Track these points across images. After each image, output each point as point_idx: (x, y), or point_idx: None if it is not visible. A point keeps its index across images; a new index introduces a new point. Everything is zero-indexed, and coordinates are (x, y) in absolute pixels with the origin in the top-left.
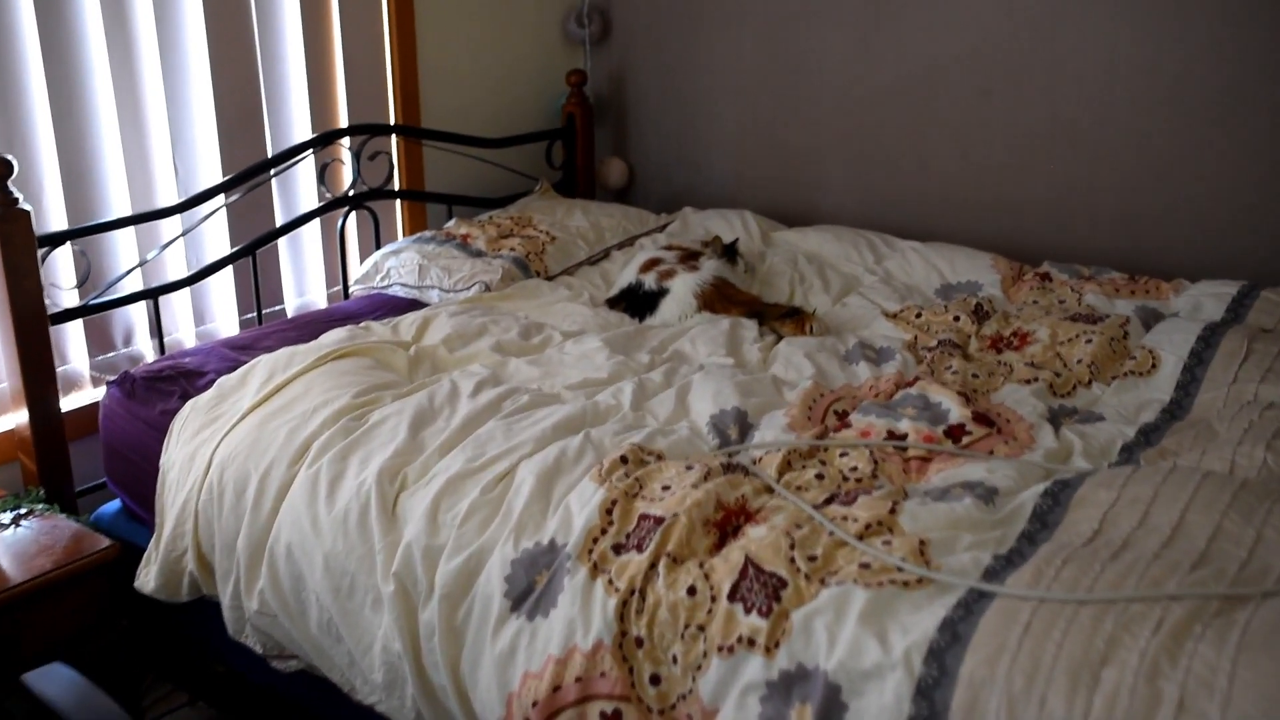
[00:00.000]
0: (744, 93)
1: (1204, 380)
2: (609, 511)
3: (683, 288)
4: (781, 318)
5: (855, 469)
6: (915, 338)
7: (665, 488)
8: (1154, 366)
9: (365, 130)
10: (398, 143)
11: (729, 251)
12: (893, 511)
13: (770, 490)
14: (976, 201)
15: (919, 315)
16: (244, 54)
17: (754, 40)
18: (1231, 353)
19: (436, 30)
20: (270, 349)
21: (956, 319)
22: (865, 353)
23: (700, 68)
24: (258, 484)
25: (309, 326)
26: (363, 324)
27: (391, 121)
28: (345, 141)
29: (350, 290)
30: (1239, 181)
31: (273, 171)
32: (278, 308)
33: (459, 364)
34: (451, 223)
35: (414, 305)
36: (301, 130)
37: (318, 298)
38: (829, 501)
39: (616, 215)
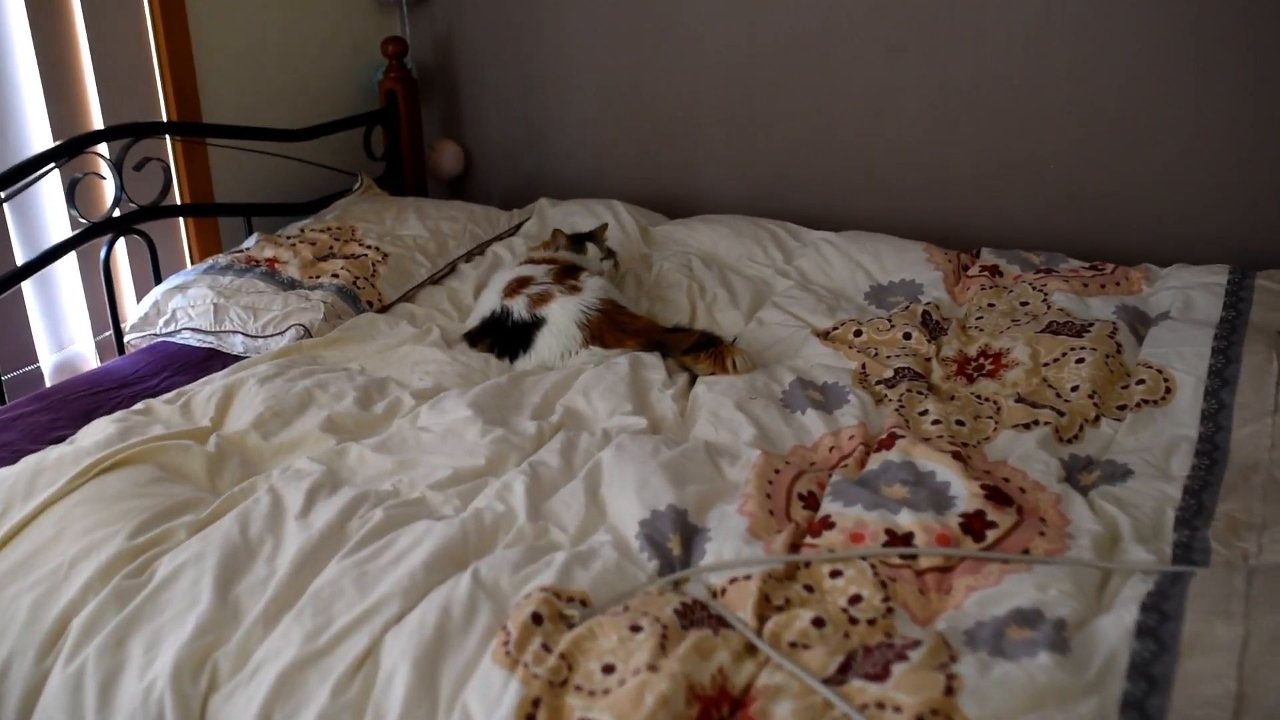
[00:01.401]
0: (603, 55)
1: (1234, 408)
2: (532, 718)
3: (563, 315)
4: (692, 350)
5: (859, 599)
6: (863, 366)
7: (607, 669)
8: (1169, 391)
9: (127, 132)
10: (173, 145)
11: (577, 241)
12: (950, 691)
13: (751, 649)
14: (891, 179)
15: (858, 334)
16: None
17: None
18: (1258, 369)
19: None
20: (11, 449)
21: (907, 336)
22: (810, 395)
23: (547, 27)
24: None
25: (68, 405)
26: (140, 404)
27: (163, 118)
28: (102, 148)
29: (126, 340)
30: (1201, 148)
31: (2, 195)
32: (30, 368)
33: (280, 456)
34: (251, 242)
35: (212, 359)
36: (40, 138)
37: (84, 349)
38: (845, 669)
39: (460, 217)
